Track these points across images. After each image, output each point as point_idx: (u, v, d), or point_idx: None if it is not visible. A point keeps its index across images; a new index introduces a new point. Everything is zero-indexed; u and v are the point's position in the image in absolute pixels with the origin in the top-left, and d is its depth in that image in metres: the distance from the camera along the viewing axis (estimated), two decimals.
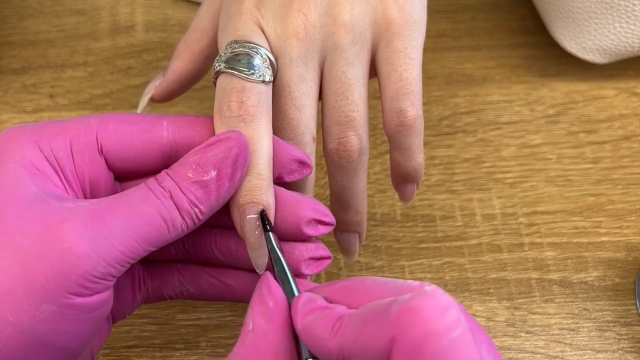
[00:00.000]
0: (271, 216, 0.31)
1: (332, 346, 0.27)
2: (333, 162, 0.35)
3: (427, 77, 0.50)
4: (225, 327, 0.41)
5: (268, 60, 0.33)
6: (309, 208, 0.32)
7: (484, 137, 0.48)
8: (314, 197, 0.44)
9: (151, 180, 0.30)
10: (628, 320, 0.41)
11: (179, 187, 0.30)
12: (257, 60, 0.33)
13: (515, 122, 0.48)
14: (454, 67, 0.51)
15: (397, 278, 0.42)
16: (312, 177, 0.35)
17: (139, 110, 0.39)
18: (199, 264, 0.34)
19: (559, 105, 0.49)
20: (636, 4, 0.45)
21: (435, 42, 0.52)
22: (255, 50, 0.33)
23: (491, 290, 0.42)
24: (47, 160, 0.30)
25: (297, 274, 0.33)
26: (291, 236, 0.32)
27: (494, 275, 0.43)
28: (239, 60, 0.33)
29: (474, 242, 0.44)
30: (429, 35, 0.52)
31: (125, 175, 0.32)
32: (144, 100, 0.39)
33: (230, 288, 0.34)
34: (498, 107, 0.49)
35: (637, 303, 0.42)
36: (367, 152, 0.36)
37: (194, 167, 0.30)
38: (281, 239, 0.32)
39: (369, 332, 0.26)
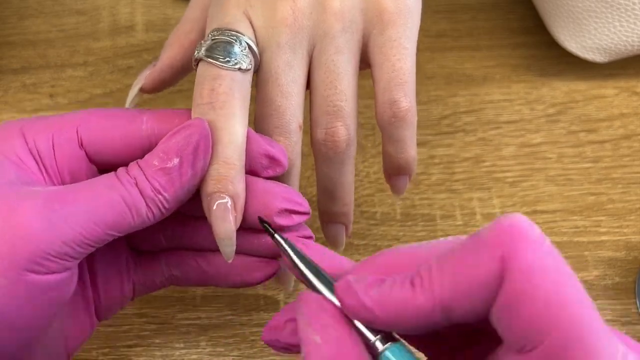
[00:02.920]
0: (240, 206, 0.31)
1: (422, 302, 0.25)
2: (320, 152, 0.35)
3: (427, 77, 0.50)
4: (225, 326, 0.41)
5: (247, 48, 0.33)
6: (281, 198, 0.32)
7: (484, 137, 0.48)
8: (309, 185, 0.45)
9: (120, 169, 0.30)
10: (628, 319, 0.41)
11: (144, 174, 0.30)
12: (236, 48, 0.32)
13: (515, 121, 0.48)
14: (454, 66, 0.51)
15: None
16: (296, 167, 0.35)
17: (128, 100, 0.39)
18: (186, 249, 0.35)
19: (559, 104, 0.49)
20: (636, 2, 0.45)
21: (435, 42, 0.52)
22: (235, 37, 0.33)
23: None
24: (31, 153, 0.31)
25: None
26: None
27: None
28: (217, 48, 0.32)
29: None
30: (428, 35, 0.52)
31: (107, 167, 0.32)
32: (134, 91, 0.39)
33: (215, 269, 0.34)
34: (498, 107, 0.49)
35: (637, 302, 0.42)
36: (355, 143, 0.35)
37: (160, 155, 0.30)
38: (255, 230, 0.32)
39: (468, 266, 0.24)
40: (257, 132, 0.34)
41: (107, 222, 0.29)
